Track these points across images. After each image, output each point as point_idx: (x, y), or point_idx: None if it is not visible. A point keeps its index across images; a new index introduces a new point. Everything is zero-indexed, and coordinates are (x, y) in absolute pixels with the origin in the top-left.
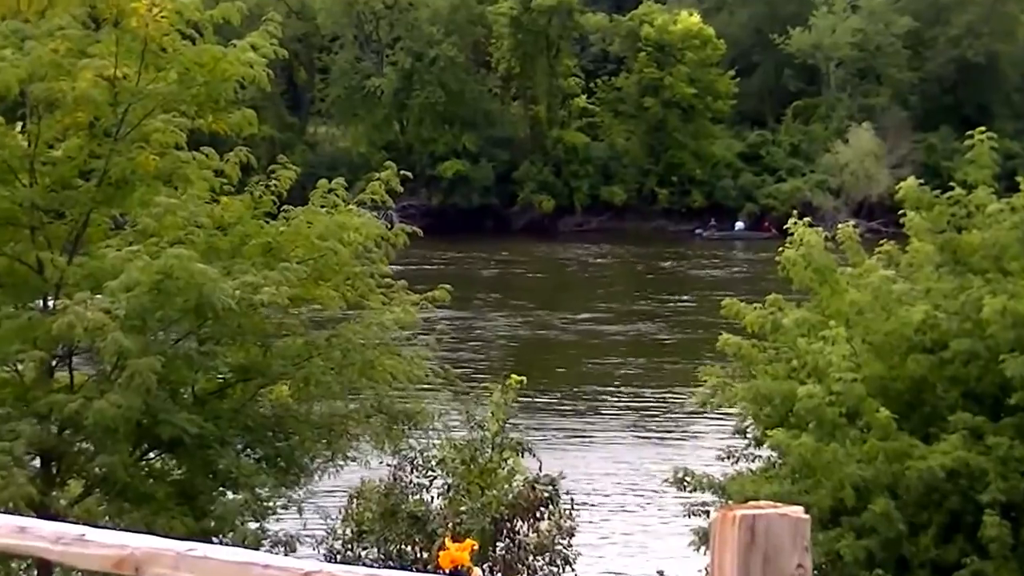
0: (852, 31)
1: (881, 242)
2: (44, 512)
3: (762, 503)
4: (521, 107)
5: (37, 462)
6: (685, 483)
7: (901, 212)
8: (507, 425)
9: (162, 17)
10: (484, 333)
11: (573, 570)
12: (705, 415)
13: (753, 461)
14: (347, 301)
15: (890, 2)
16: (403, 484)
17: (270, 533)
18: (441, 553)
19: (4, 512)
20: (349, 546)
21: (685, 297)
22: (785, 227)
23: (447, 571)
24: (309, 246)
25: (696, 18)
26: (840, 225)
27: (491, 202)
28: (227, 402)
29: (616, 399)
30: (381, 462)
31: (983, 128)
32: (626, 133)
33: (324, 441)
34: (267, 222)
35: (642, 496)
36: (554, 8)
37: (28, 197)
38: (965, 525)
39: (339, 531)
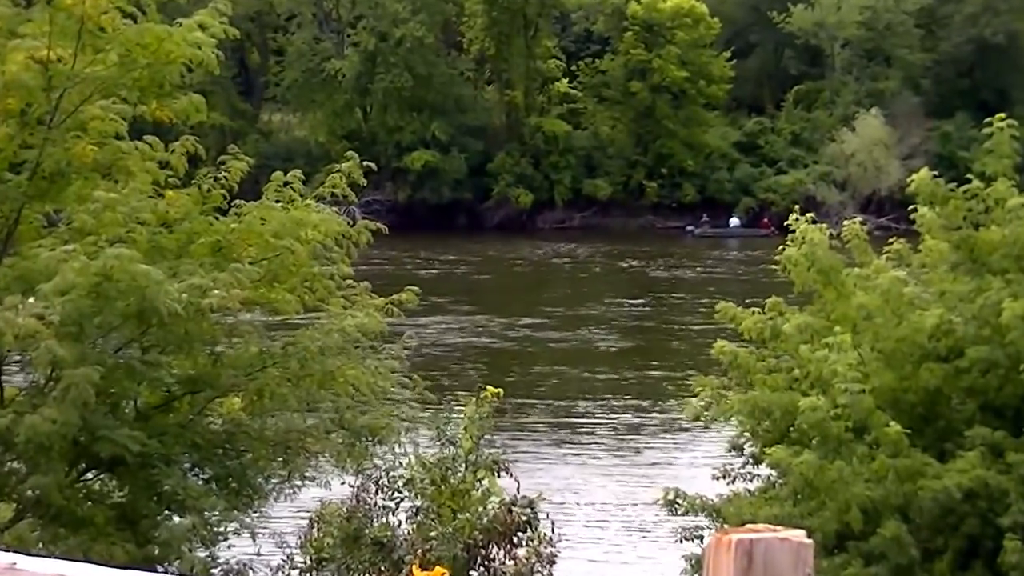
0: (859, 8)
1: (891, 240)
2: None
3: (760, 527)
4: (496, 92)
5: None
6: (676, 505)
7: (913, 207)
8: (482, 442)
9: None
10: (456, 340)
11: None
12: (698, 430)
13: (751, 481)
14: (305, 305)
15: None
16: (367, 507)
17: (220, 561)
18: None
19: None
20: (308, 575)
21: (675, 301)
22: (785, 223)
23: None
24: (263, 245)
25: None
26: (846, 221)
27: (463, 196)
28: (173, 417)
29: (600, 413)
30: (343, 483)
31: (1003, 115)
32: (611, 121)
33: (280, 459)
34: (217, 218)
35: (629, 519)
36: None
37: None
38: (984, 551)
39: (296, 559)
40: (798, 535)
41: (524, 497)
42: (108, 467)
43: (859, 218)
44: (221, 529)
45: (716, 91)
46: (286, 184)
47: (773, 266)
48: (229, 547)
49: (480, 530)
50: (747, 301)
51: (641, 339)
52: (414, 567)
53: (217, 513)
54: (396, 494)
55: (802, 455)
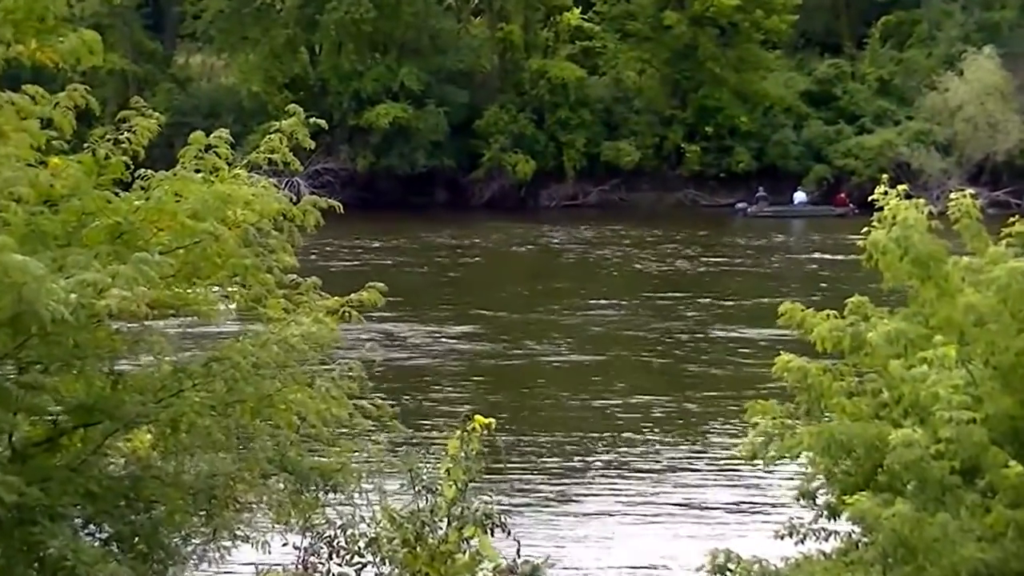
0: None
1: (1012, 219)
2: None
3: None
4: (486, 26)
5: None
6: (728, 572)
7: None
8: (469, 488)
9: None
10: (433, 354)
11: None
12: (756, 473)
13: (826, 539)
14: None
15: None
16: (319, 575)
17: None
18: None
19: None
20: None
21: (717, 304)
22: (870, 199)
23: None
24: (178, 229)
25: None
26: (953, 195)
27: (443, 165)
28: (60, 457)
29: (622, 450)
30: (285, 543)
31: None
32: (639, 64)
33: (202, 512)
34: (117, 194)
35: None
36: None
37: None
38: None
39: None
40: None
41: (526, 562)
42: None
43: (968, 191)
44: None
45: (778, 24)
46: (209, 148)
47: (851, 256)
48: None
49: None
50: (815, 302)
51: (666, 354)
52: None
53: None
54: (357, 558)
55: (894, 505)
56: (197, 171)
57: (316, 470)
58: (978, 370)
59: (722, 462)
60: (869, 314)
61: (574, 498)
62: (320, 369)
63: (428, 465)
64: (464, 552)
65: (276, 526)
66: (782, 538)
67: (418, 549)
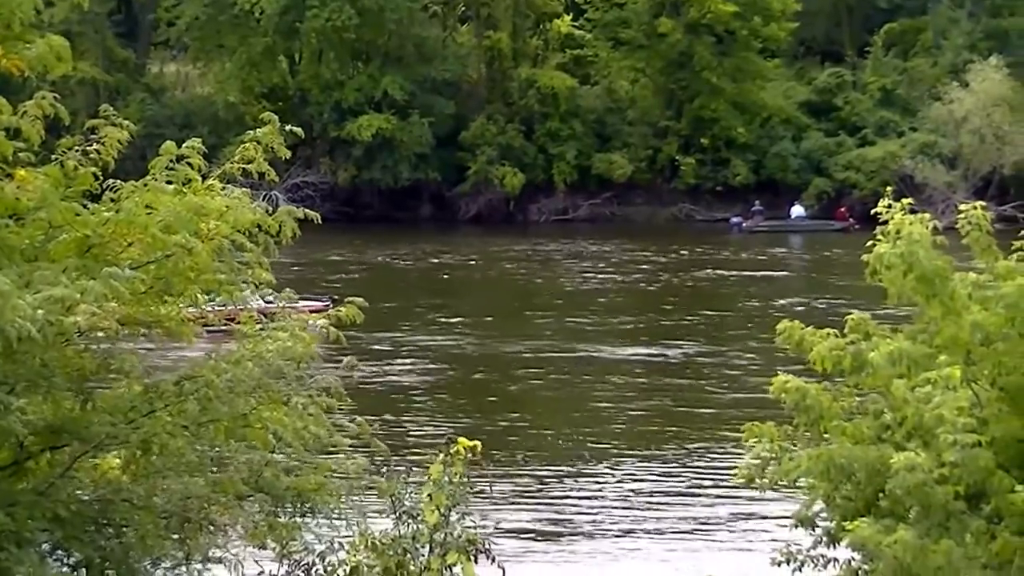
0: None
1: (1022, 233)
2: None
3: None
4: (473, 33)
5: None
6: None
7: None
8: (453, 513)
9: None
10: (415, 372)
11: None
12: (752, 497)
13: (825, 566)
14: (207, 323)
15: None
16: None
17: None
18: None
19: None
20: None
21: (710, 322)
22: (873, 212)
23: None
24: (149, 242)
25: None
26: (963, 206)
27: (428, 178)
28: (27, 480)
29: (613, 474)
30: (262, 572)
31: None
32: (632, 73)
33: (175, 537)
34: (86, 206)
35: None
36: None
37: None
38: None
39: None
40: None
41: None
42: None
43: (976, 204)
44: None
45: (776, 31)
46: (181, 159)
47: (841, 280)
48: None
49: None
50: (818, 321)
51: (656, 374)
52: None
53: None
54: None
55: (896, 532)
56: (169, 182)
57: (292, 490)
58: (984, 391)
59: (717, 485)
60: (871, 332)
61: (561, 523)
62: (297, 386)
63: (409, 489)
64: None
65: (251, 551)
66: (779, 565)
67: None
